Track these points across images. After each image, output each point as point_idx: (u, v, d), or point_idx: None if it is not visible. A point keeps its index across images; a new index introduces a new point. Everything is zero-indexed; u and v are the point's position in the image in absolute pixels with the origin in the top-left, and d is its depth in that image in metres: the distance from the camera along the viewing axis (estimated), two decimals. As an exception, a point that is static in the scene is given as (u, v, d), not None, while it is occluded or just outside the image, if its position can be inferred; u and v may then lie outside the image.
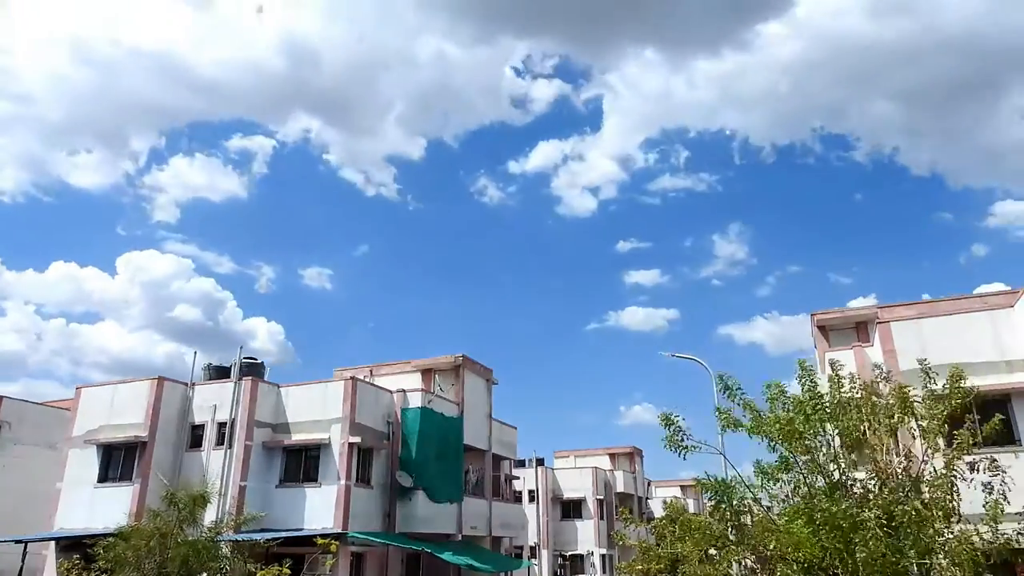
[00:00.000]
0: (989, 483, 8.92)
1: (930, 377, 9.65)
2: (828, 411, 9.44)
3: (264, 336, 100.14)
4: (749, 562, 10.61)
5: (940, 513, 8.43)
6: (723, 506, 9.74)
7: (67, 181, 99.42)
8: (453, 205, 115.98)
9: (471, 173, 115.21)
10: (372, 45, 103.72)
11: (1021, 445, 15.20)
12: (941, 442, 9.25)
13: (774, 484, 9.53)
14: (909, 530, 8.16)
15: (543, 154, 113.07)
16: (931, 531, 8.40)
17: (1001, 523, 8.59)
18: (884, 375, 10.09)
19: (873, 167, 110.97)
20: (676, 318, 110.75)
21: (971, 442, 8.98)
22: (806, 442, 9.24)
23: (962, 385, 9.35)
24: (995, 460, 9.04)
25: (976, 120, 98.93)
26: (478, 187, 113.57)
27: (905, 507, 8.38)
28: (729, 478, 9.87)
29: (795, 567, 8.90)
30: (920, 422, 9.38)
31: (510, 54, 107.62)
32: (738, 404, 10.07)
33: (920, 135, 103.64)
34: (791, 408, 9.64)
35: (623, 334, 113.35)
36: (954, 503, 8.56)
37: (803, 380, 9.91)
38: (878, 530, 7.97)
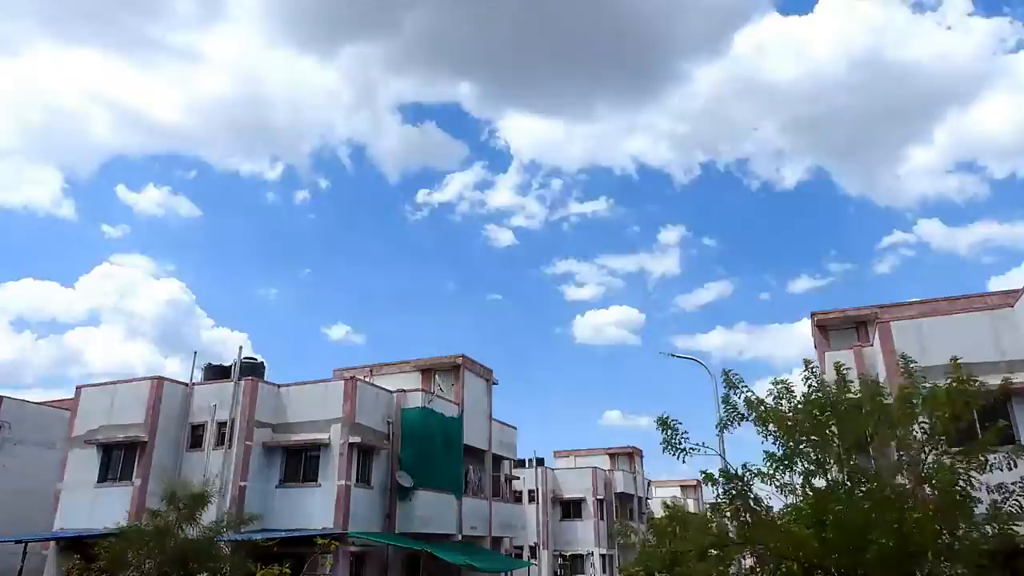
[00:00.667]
0: (1002, 485, 8.90)
1: (958, 375, 9.60)
2: (836, 412, 9.42)
3: (232, 345, 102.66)
4: (749, 561, 10.61)
5: (951, 512, 8.42)
6: (737, 501, 9.64)
7: (21, 202, 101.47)
8: (387, 231, 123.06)
9: (401, 202, 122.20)
10: (313, 87, 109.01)
11: (1022, 445, 15.19)
12: (943, 442, 9.25)
13: (783, 472, 9.46)
14: (920, 530, 8.14)
15: (462, 183, 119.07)
16: (941, 530, 8.40)
17: (1008, 524, 8.57)
18: (904, 371, 10.04)
19: (765, 192, 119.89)
20: (628, 329, 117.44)
21: (985, 443, 8.98)
22: (814, 439, 9.23)
23: (967, 387, 9.31)
24: None
25: (875, 151, 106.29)
26: (405, 214, 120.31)
27: (916, 508, 8.38)
28: (742, 470, 9.75)
29: (796, 567, 8.91)
30: (922, 423, 9.37)
31: (443, 95, 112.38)
32: (743, 400, 10.03)
33: (821, 162, 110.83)
34: (799, 407, 9.61)
35: (578, 346, 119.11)
36: (967, 503, 8.55)
37: (809, 381, 9.89)
38: (896, 528, 7.94)
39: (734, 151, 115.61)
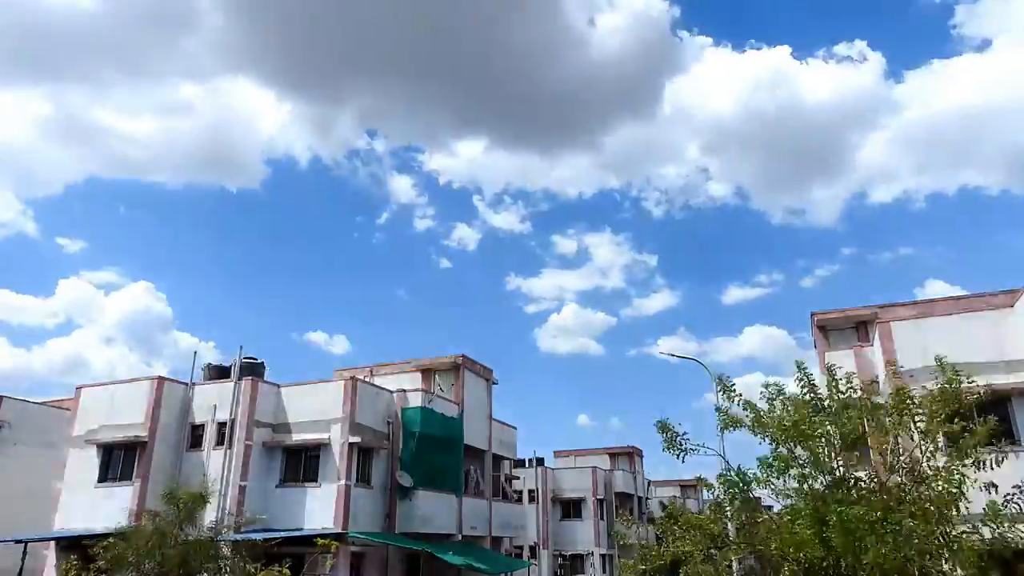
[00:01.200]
0: (993, 484, 8.90)
1: (947, 374, 9.60)
2: (829, 413, 9.45)
3: (201, 354, 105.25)
4: (750, 562, 10.62)
5: (947, 512, 8.43)
6: (736, 501, 9.70)
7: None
8: (341, 248, 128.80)
9: (351, 221, 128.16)
10: (276, 120, 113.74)
11: (1021, 445, 15.20)
12: (941, 442, 9.26)
13: (778, 478, 9.51)
14: (916, 531, 8.14)
15: (404, 205, 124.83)
16: (937, 531, 8.40)
17: (1011, 525, 8.58)
18: (894, 372, 10.10)
19: (694, 213, 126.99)
20: (590, 337, 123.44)
21: (975, 442, 8.98)
22: (810, 442, 9.25)
23: (958, 386, 9.34)
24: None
25: (791, 176, 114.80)
26: (357, 233, 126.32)
27: (911, 509, 8.38)
28: (745, 470, 9.82)
29: (797, 568, 8.91)
30: (918, 423, 9.38)
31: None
32: (737, 404, 10.08)
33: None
34: (793, 409, 9.64)
35: (543, 354, 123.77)
36: (960, 503, 8.56)
37: (802, 382, 9.93)
38: (893, 530, 7.95)
39: (658, 178, 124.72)
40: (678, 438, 10.00)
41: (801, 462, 9.43)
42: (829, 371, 10.17)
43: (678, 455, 9.86)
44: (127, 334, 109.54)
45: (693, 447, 10.00)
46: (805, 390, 9.84)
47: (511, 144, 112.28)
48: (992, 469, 8.91)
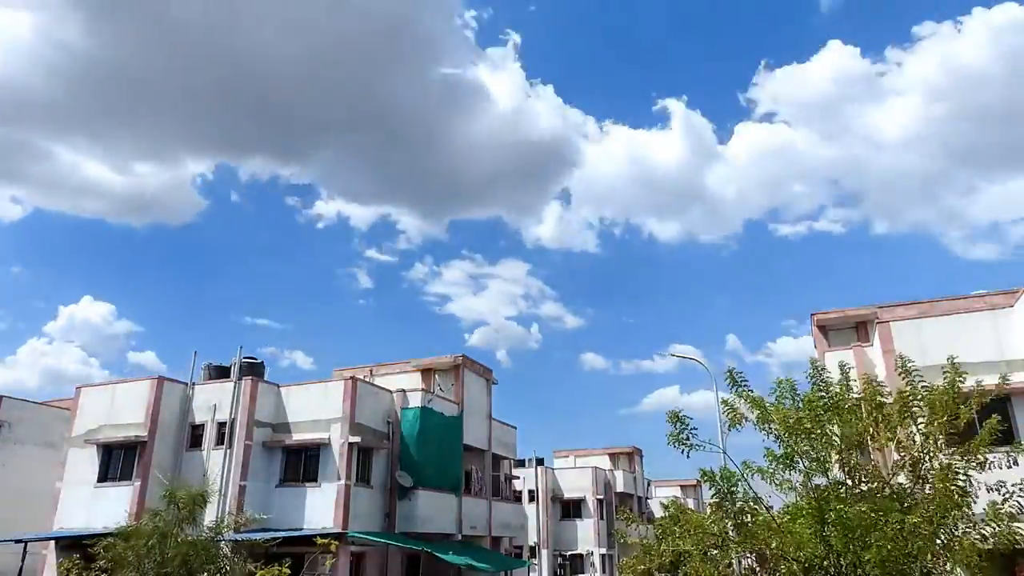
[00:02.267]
0: (1001, 483, 8.91)
1: (957, 374, 9.61)
2: (837, 411, 9.43)
3: (154, 363, 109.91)
4: (749, 561, 10.62)
5: (950, 511, 8.43)
6: (726, 503, 9.68)
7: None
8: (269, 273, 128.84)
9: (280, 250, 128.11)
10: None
11: (1021, 445, 15.19)
12: (942, 443, 9.26)
13: (785, 470, 9.47)
14: (920, 528, 8.15)
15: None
16: (941, 530, 8.41)
17: (1016, 523, 8.60)
18: (902, 371, 10.06)
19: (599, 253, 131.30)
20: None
21: (980, 442, 9.00)
22: (812, 439, 9.23)
23: (960, 387, 9.36)
24: None
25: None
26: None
27: (918, 514, 8.38)
28: (734, 470, 9.80)
29: (796, 567, 8.90)
30: (918, 424, 9.39)
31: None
32: (744, 399, 10.03)
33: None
34: (801, 406, 9.63)
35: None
36: (965, 502, 8.57)
37: (814, 379, 9.90)
38: (897, 529, 7.95)
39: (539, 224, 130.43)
40: (686, 431, 9.92)
41: (807, 457, 9.41)
42: (816, 370, 10.15)
43: (683, 450, 9.80)
44: (87, 351, 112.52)
45: (699, 444, 9.94)
46: (816, 389, 9.82)
47: (408, 205, 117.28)
48: (1000, 469, 8.92)
